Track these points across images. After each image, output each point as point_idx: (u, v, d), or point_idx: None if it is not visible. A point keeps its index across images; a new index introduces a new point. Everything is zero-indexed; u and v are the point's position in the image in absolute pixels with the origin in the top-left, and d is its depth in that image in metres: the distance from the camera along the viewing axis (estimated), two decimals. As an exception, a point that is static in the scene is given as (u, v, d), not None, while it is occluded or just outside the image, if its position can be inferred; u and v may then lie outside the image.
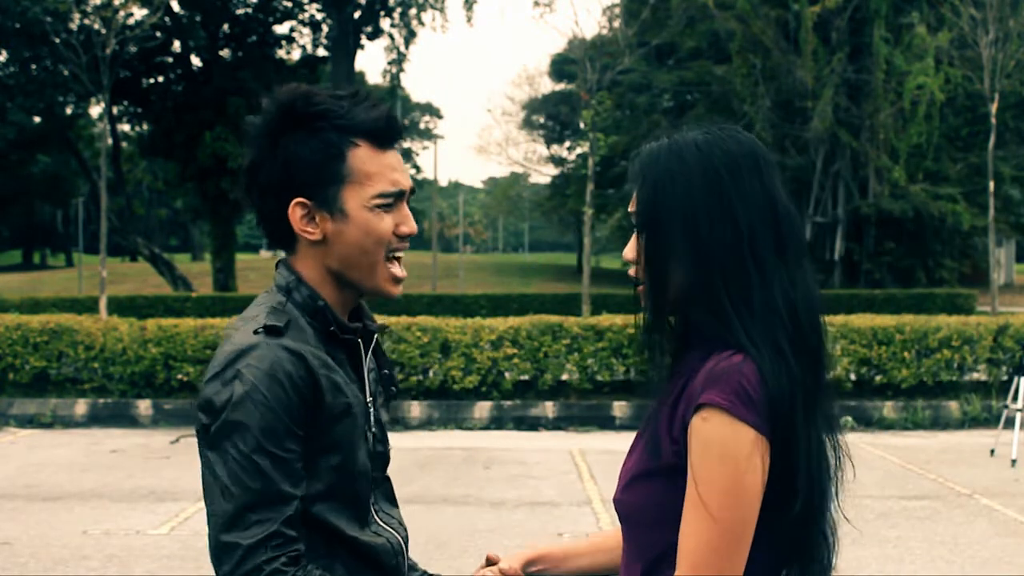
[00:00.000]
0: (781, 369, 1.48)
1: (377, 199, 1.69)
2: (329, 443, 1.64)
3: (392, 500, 1.83)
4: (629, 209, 1.63)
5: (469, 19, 32.75)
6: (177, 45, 29.31)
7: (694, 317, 1.58)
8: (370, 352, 1.80)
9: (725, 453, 1.46)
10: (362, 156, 1.68)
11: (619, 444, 10.18)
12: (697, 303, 1.56)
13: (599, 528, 6.79)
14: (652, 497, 1.55)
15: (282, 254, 1.79)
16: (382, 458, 1.80)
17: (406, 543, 1.81)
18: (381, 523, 1.76)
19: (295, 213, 1.68)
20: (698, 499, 1.47)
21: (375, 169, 1.69)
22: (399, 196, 1.72)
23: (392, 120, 1.72)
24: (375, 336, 1.81)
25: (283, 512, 1.55)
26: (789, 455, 1.49)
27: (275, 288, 1.74)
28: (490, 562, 1.83)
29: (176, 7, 27.45)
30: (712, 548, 1.46)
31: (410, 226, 1.73)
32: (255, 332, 1.62)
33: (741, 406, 1.45)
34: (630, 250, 1.63)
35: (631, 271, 1.64)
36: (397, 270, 1.74)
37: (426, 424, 10.84)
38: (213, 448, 1.57)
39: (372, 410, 1.77)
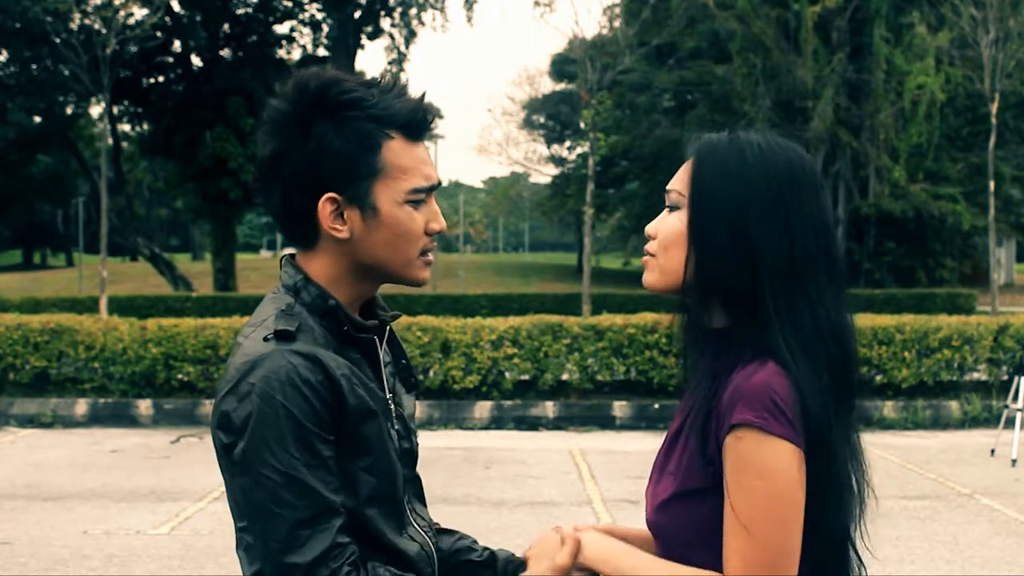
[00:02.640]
0: (818, 385, 1.47)
1: (410, 195, 1.60)
2: (358, 447, 1.57)
3: (422, 498, 1.77)
4: (668, 187, 1.61)
5: (469, 19, 32.77)
6: (177, 45, 29.31)
7: (722, 319, 1.57)
8: (384, 344, 1.71)
9: (762, 470, 1.45)
10: (396, 149, 1.59)
11: (619, 444, 10.18)
12: (737, 302, 1.54)
13: (599, 528, 6.78)
14: (690, 518, 1.53)
15: (285, 251, 1.72)
16: (409, 455, 1.72)
17: (437, 548, 1.75)
18: (416, 526, 1.70)
19: (324, 209, 1.58)
20: (736, 520, 1.45)
21: (409, 163, 1.60)
22: (430, 191, 1.63)
23: (427, 111, 1.63)
24: (388, 327, 1.72)
25: (333, 522, 1.49)
26: (823, 470, 1.48)
27: (281, 288, 1.64)
28: None
29: (176, 7, 27.45)
30: (759, 567, 1.45)
31: (440, 223, 1.65)
32: (265, 339, 1.53)
33: (774, 421, 1.44)
34: (653, 225, 1.62)
35: (648, 246, 1.62)
36: (428, 258, 1.67)
37: (426, 424, 10.83)
38: (246, 471, 1.49)
39: (392, 406, 1.69)
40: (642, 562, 1.57)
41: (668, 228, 1.59)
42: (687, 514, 1.53)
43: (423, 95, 1.64)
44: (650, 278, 1.61)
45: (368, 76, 1.67)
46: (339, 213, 1.59)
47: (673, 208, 1.60)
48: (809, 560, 1.52)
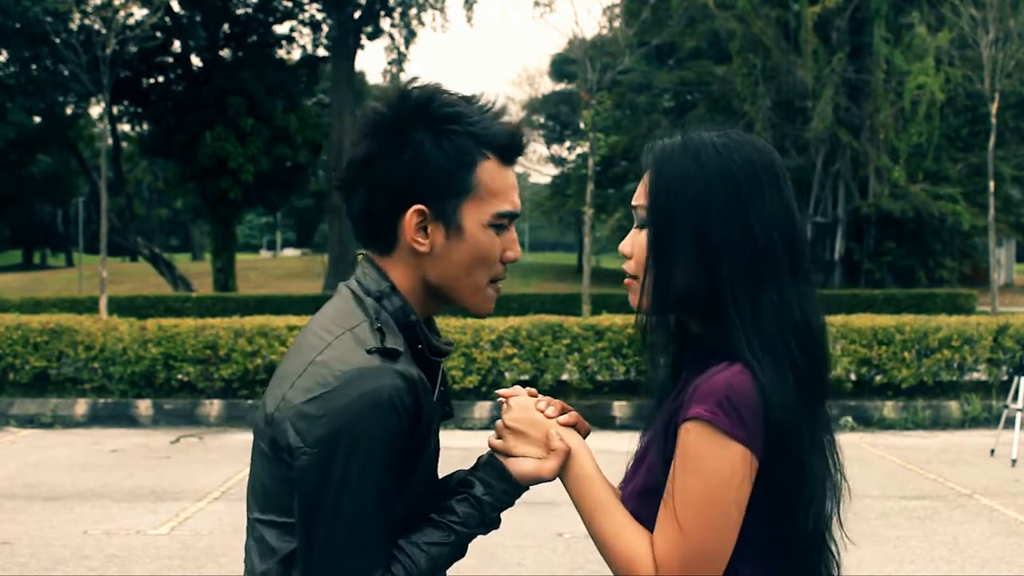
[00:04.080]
0: (784, 385, 1.45)
1: (496, 219, 1.57)
2: (418, 468, 1.55)
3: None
4: (632, 203, 1.59)
5: (469, 19, 32.86)
6: (177, 45, 29.33)
7: (696, 326, 1.56)
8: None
9: (700, 468, 1.43)
10: (490, 170, 1.56)
11: (619, 444, 10.11)
12: (700, 310, 1.53)
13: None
14: (651, 516, 1.51)
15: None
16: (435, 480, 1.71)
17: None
18: None
19: (411, 220, 1.55)
20: (672, 511, 1.44)
21: (500, 187, 1.57)
22: (513, 218, 1.61)
23: (523, 136, 1.61)
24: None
25: (391, 536, 1.50)
26: (790, 471, 1.46)
27: (360, 287, 1.59)
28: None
29: (176, 7, 27.46)
30: (683, 564, 1.44)
31: (516, 252, 1.62)
32: (369, 352, 1.48)
33: (725, 418, 1.42)
34: (627, 244, 1.60)
35: (625, 265, 1.61)
36: (497, 288, 1.64)
37: (426, 424, 10.83)
38: (326, 479, 1.45)
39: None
40: (602, 499, 1.55)
41: (643, 248, 1.56)
42: (648, 510, 1.51)
43: (521, 120, 1.65)
44: (637, 301, 1.59)
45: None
46: (423, 227, 1.56)
47: (643, 226, 1.58)
48: (781, 558, 1.50)
